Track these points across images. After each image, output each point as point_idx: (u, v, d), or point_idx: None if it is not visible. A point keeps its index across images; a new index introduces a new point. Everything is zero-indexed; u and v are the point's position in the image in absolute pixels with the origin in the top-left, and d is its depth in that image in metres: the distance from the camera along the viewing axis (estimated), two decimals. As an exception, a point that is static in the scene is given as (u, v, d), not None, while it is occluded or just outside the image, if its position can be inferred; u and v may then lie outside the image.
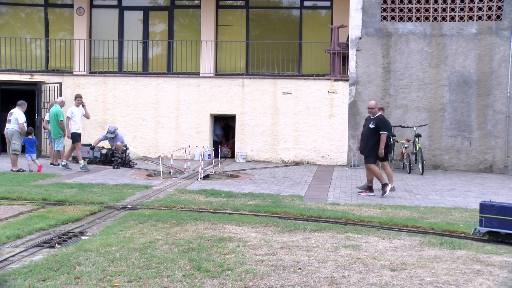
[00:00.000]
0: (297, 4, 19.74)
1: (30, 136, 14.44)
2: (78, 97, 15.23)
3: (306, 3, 19.67)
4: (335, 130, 17.13)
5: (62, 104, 15.86)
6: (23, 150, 14.72)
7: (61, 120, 15.30)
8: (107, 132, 16.16)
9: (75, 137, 14.87)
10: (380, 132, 11.49)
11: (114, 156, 15.66)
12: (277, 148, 17.49)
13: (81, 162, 14.67)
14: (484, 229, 7.68)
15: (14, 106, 14.91)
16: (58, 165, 15.27)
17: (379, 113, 11.89)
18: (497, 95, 16.26)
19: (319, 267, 6.08)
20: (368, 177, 11.86)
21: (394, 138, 15.76)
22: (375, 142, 11.53)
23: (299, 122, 17.34)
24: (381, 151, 11.46)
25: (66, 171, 14.35)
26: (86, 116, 15.38)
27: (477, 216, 9.50)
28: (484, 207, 7.72)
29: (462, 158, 16.44)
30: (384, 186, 11.51)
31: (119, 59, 19.90)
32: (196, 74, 18.84)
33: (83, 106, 15.23)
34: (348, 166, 16.73)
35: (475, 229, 7.91)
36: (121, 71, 19.59)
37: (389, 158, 12.13)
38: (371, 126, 11.63)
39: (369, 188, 11.83)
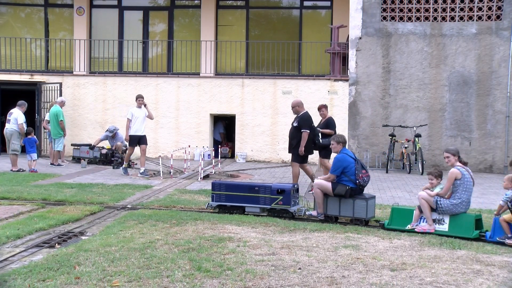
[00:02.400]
0: (297, 4, 19.74)
1: (29, 136, 14.45)
2: (139, 98, 13.96)
3: (306, 3, 19.67)
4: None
5: (62, 104, 15.89)
6: (23, 150, 14.72)
7: (61, 120, 15.33)
8: (107, 130, 16.16)
9: (132, 140, 13.83)
10: (302, 130, 11.43)
11: (114, 156, 15.66)
12: (277, 148, 17.49)
13: (142, 168, 13.81)
14: (215, 203, 9.30)
15: (14, 106, 14.91)
16: (58, 165, 15.28)
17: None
18: (497, 95, 16.26)
19: (319, 267, 6.08)
20: (308, 174, 11.91)
21: (394, 138, 15.77)
22: (298, 140, 11.48)
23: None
24: (301, 149, 11.37)
25: (145, 177, 13.46)
26: (150, 116, 14.17)
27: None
28: (215, 185, 9.37)
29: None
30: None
31: (119, 59, 19.90)
32: (196, 74, 18.85)
33: (145, 106, 14.02)
34: (348, 166, 16.70)
35: (208, 204, 9.40)
36: (121, 71, 19.59)
37: (330, 157, 12.06)
38: (295, 124, 11.65)
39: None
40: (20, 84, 18.76)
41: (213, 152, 16.80)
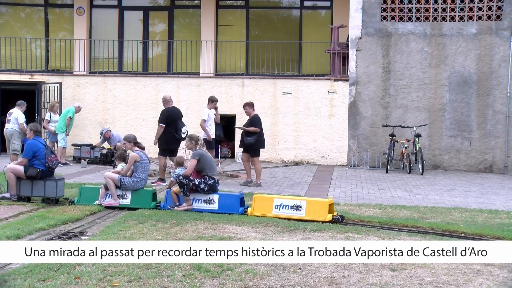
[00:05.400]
0: (297, 4, 19.74)
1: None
2: (215, 101, 13.42)
3: (306, 3, 19.67)
4: (335, 130, 17.13)
5: (78, 108, 16.26)
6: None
7: (69, 117, 15.56)
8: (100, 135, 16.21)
9: (211, 143, 13.44)
10: (159, 124, 12.39)
11: (114, 156, 15.64)
12: (277, 148, 17.49)
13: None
14: None
15: (14, 106, 14.93)
16: (65, 163, 15.35)
17: (254, 113, 12.56)
18: (497, 95, 16.26)
19: (319, 267, 6.08)
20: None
21: (394, 138, 15.77)
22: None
23: (299, 122, 17.34)
24: (155, 140, 12.50)
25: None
26: (216, 120, 13.70)
27: (477, 216, 9.53)
28: None
29: (462, 158, 16.44)
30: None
31: (119, 59, 19.90)
32: (196, 74, 18.85)
33: (216, 109, 13.59)
34: (348, 166, 16.73)
35: None
36: (121, 71, 19.59)
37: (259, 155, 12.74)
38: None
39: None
40: (20, 84, 18.76)
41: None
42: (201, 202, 9.45)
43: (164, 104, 12.76)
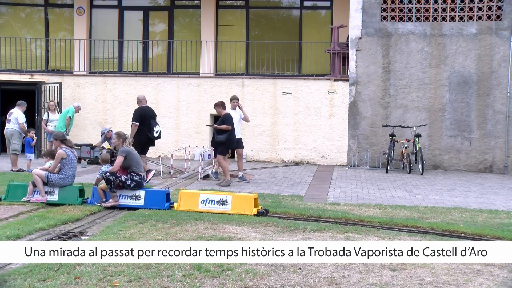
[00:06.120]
0: (297, 4, 19.74)
1: (26, 136, 14.51)
2: (234, 99, 13.52)
3: (306, 3, 19.67)
4: (335, 130, 17.13)
5: (77, 108, 16.27)
6: (23, 150, 14.73)
7: (69, 117, 15.58)
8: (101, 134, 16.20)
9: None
10: (132, 122, 12.77)
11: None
12: (277, 148, 17.49)
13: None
14: None
15: (14, 106, 14.93)
16: None
17: (224, 111, 12.73)
18: (497, 95, 16.26)
19: (319, 267, 6.08)
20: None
21: (394, 138, 15.77)
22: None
23: (299, 122, 17.34)
24: (130, 139, 12.56)
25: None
26: (245, 119, 13.57)
27: (477, 216, 9.54)
28: None
29: (462, 158, 16.44)
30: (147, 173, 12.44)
31: (119, 59, 19.90)
32: (196, 74, 18.85)
33: (240, 108, 13.51)
34: (348, 166, 16.74)
35: None
36: (121, 71, 19.60)
37: (226, 153, 12.92)
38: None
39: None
40: (20, 84, 18.76)
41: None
42: (127, 198, 9.74)
43: (138, 103, 13.10)
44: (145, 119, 12.72)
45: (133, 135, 12.50)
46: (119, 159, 9.77)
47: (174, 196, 10.74)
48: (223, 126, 12.48)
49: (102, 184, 9.77)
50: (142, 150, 12.68)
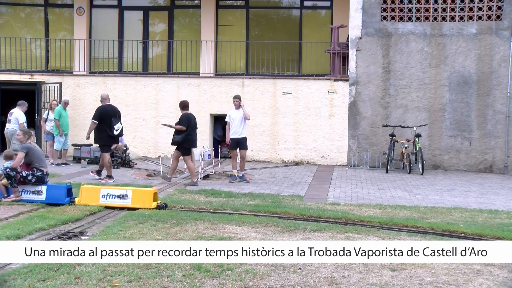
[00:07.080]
0: (297, 4, 19.74)
1: None
2: (236, 99, 13.45)
3: (306, 3, 19.67)
4: (335, 130, 17.13)
5: (64, 104, 15.97)
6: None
7: (56, 119, 15.43)
8: None
9: (232, 143, 13.33)
10: (92, 120, 12.87)
11: (114, 156, 15.65)
12: (277, 148, 17.49)
13: (241, 173, 13.18)
14: None
15: (14, 106, 14.93)
16: (57, 164, 15.30)
17: (184, 112, 12.85)
18: (497, 95, 16.26)
19: (319, 267, 6.08)
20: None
21: (394, 138, 15.77)
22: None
23: (299, 122, 17.34)
24: (87, 136, 12.90)
25: (242, 183, 12.85)
26: (246, 117, 13.36)
27: (477, 216, 9.53)
28: None
29: (462, 158, 16.44)
30: (108, 177, 12.69)
31: (119, 59, 19.90)
32: (196, 74, 18.85)
33: (242, 107, 13.37)
34: (348, 166, 16.73)
35: None
36: (121, 71, 19.60)
37: (190, 153, 12.93)
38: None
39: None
40: (20, 84, 18.76)
41: (213, 152, 16.79)
42: (29, 193, 9.94)
43: (101, 101, 13.24)
44: (105, 117, 12.82)
45: (90, 132, 12.83)
46: (20, 155, 9.96)
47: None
48: (177, 127, 12.65)
49: (4, 180, 9.95)
50: (104, 148, 12.85)
